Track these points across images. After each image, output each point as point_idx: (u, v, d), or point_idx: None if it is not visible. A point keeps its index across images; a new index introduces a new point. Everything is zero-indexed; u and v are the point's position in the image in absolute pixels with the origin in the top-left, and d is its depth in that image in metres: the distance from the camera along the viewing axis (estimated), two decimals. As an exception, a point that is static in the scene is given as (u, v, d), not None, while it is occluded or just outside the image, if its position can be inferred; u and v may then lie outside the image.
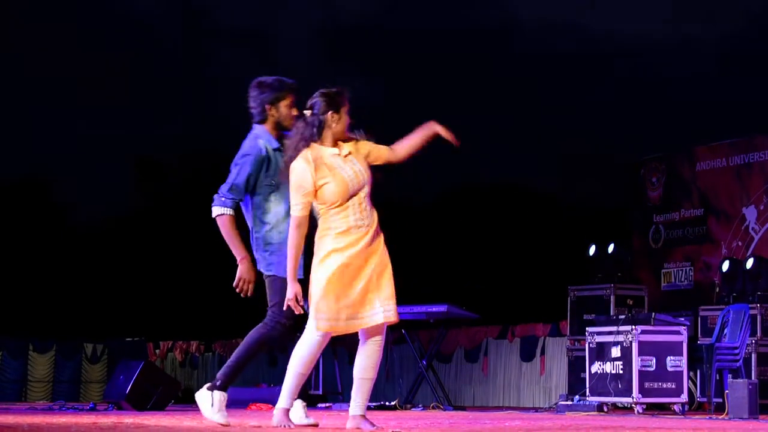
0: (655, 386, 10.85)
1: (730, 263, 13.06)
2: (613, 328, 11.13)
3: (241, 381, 20.34)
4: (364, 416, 5.74)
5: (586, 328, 11.70)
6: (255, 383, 18.78)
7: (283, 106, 6.47)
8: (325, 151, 5.74)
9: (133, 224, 37.68)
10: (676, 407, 11.00)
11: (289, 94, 6.45)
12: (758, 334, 12.19)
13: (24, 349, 22.76)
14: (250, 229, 6.60)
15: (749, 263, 12.86)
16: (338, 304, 5.63)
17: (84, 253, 36.04)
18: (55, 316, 32.57)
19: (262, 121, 6.56)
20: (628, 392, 10.83)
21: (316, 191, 5.67)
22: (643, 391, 10.78)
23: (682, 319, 11.82)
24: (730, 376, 11.21)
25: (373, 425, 5.70)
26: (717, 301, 13.04)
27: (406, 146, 5.90)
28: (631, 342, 10.87)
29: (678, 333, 11.02)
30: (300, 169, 5.70)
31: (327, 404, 13.90)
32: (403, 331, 13.83)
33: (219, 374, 6.46)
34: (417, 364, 13.90)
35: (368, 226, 5.68)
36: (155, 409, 10.78)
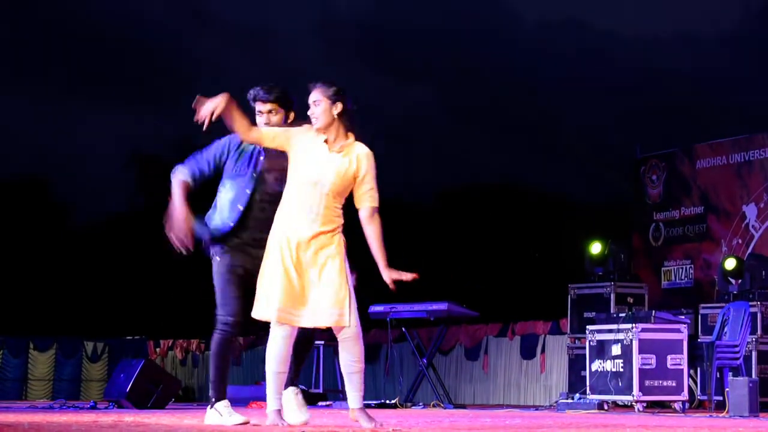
0: (656, 384, 10.86)
1: (730, 261, 13.06)
2: (614, 326, 11.13)
3: (241, 379, 20.37)
4: (362, 409, 5.76)
5: (587, 326, 11.71)
6: (255, 381, 18.76)
7: (257, 113, 6.69)
8: (312, 134, 5.88)
9: (133, 223, 37.68)
10: (676, 405, 11.00)
11: (255, 102, 6.68)
12: (758, 332, 12.20)
13: (24, 348, 22.76)
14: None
15: (749, 261, 12.86)
16: (286, 296, 5.71)
17: (84, 252, 36.05)
18: (55, 315, 32.59)
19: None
20: (628, 390, 10.83)
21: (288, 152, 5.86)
22: (643, 389, 10.78)
23: (683, 317, 11.82)
24: (730, 374, 11.21)
25: (372, 418, 5.72)
26: (717, 299, 13.04)
27: (372, 242, 5.85)
28: (631, 340, 10.87)
29: (678, 331, 11.03)
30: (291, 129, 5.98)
31: (327, 402, 13.89)
32: (403, 329, 13.84)
33: (210, 393, 6.50)
34: (417, 362, 13.90)
35: (316, 222, 5.76)
36: (156, 407, 10.78)
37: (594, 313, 12.69)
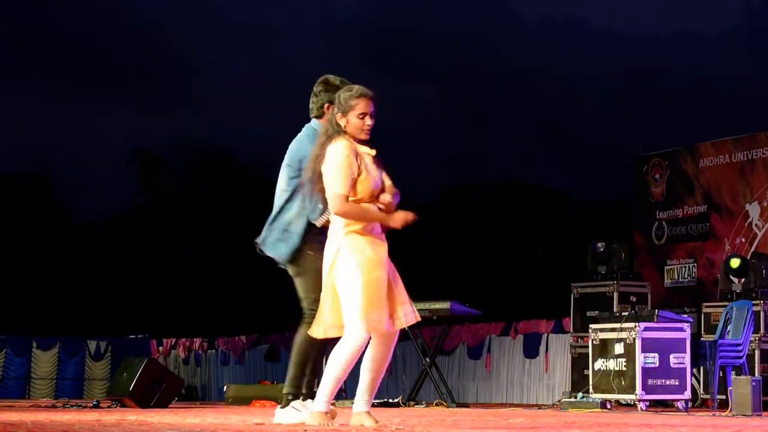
0: (659, 383, 10.85)
1: (733, 260, 13.05)
2: (617, 325, 11.12)
3: (245, 378, 20.37)
4: (368, 413, 5.72)
5: (590, 325, 11.70)
6: (257, 380, 18.80)
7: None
8: (360, 147, 5.76)
9: (136, 222, 37.71)
10: (679, 404, 10.99)
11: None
12: (761, 331, 12.19)
13: (27, 347, 22.76)
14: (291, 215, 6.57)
15: (752, 260, 12.85)
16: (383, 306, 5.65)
17: (87, 251, 36.08)
18: (58, 314, 32.61)
19: (319, 117, 6.54)
20: (631, 389, 10.83)
21: (355, 181, 5.67)
22: (646, 388, 10.77)
23: (685, 315, 11.81)
24: (733, 372, 11.20)
25: (376, 421, 5.69)
26: (720, 298, 13.03)
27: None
28: (634, 339, 10.87)
29: (681, 330, 11.02)
30: (346, 154, 5.69)
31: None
32: (406, 327, 13.82)
33: (285, 390, 6.42)
34: (420, 361, 13.90)
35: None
36: (159, 406, 10.79)
37: (597, 312, 12.68)
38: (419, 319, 5.82)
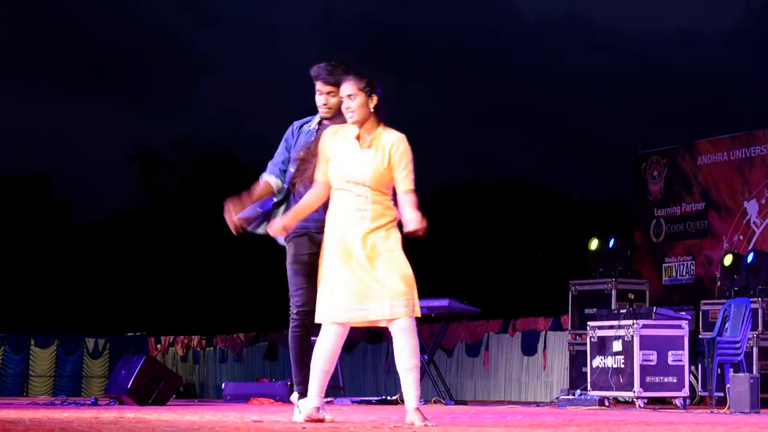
0: (657, 380, 10.86)
1: (731, 257, 13.06)
2: (615, 323, 11.13)
3: (242, 376, 20.37)
4: (418, 409, 5.64)
5: (588, 323, 11.70)
6: (255, 378, 18.80)
7: (316, 91, 6.47)
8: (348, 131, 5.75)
9: (135, 220, 37.72)
10: (677, 401, 11.00)
11: (316, 81, 6.42)
12: (759, 328, 12.19)
13: (26, 344, 22.76)
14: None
15: (750, 257, 12.85)
16: (346, 295, 5.59)
17: (86, 250, 36.08)
18: (56, 312, 32.60)
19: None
20: (629, 386, 10.83)
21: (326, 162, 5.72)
22: (644, 386, 10.78)
23: (684, 313, 11.81)
24: (731, 370, 11.21)
25: (425, 418, 5.64)
26: (718, 295, 13.04)
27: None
28: (632, 336, 10.87)
29: (679, 327, 11.03)
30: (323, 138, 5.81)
31: (328, 399, 13.90)
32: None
33: (295, 389, 6.40)
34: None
35: (366, 220, 5.63)
36: (157, 403, 10.78)
37: (595, 310, 12.68)
38: (378, 318, 5.63)
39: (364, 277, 5.55)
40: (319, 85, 6.41)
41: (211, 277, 35.00)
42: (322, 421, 5.72)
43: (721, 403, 10.70)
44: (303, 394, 6.28)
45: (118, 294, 34.55)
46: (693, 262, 14.67)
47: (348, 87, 5.68)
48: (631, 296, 13.38)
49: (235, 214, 6.49)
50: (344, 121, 5.80)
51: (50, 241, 36.04)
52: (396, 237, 5.63)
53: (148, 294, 34.61)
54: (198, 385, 22.12)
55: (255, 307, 32.37)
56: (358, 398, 13.28)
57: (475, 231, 34.07)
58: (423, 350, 13.69)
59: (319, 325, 5.75)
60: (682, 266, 14.80)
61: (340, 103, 6.14)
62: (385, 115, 5.75)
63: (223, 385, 15.80)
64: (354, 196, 5.62)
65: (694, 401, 12.27)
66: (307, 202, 5.86)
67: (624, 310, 11.60)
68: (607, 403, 11.18)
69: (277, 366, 20.38)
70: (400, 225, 5.67)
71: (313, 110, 6.58)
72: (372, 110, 5.67)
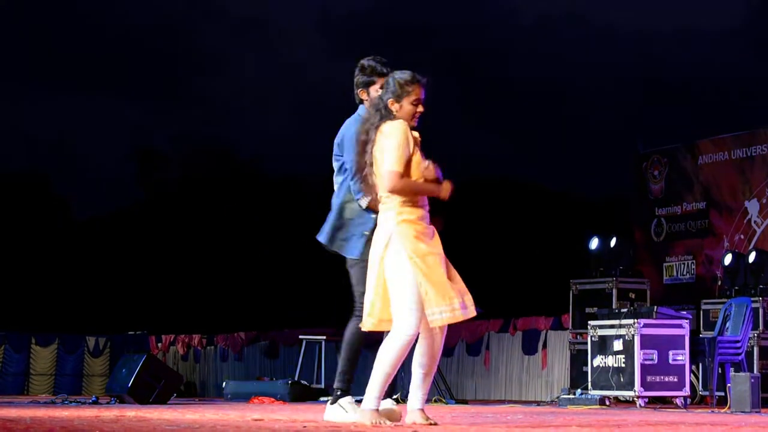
0: (657, 380, 10.85)
1: (732, 256, 13.05)
2: (615, 322, 11.12)
3: (243, 375, 20.36)
4: (422, 410, 5.60)
5: (588, 322, 11.70)
6: (256, 377, 18.80)
7: (374, 90, 6.34)
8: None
9: (135, 218, 37.71)
10: (678, 401, 11.00)
11: (381, 79, 6.27)
12: (760, 328, 12.19)
13: (26, 343, 22.75)
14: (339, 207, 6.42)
15: (751, 257, 12.85)
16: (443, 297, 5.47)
17: (86, 248, 36.08)
18: (57, 310, 32.61)
19: (361, 102, 6.49)
20: (630, 386, 10.83)
21: (410, 161, 5.57)
22: (645, 385, 10.77)
23: (684, 312, 11.81)
24: (732, 369, 11.20)
25: (428, 418, 5.58)
26: (719, 295, 13.03)
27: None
28: (633, 335, 10.87)
29: (680, 326, 11.02)
30: (404, 131, 5.59)
31: (329, 398, 13.89)
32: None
33: (335, 384, 6.34)
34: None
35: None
36: (157, 402, 10.78)
37: (596, 309, 12.67)
38: (474, 313, 5.55)
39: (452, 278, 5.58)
40: (379, 81, 6.28)
41: (212, 276, 35.00)
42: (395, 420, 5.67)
43: (722, 402, 10.70)
44: (344, 393, 6.21)
45: (118, 292, 34.56)
46: (694, 261, 14.66)
47: (424, 91, 5.65)
48: (632, 295, 13.38)
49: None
50: None
51: (50, 239, 36.04)
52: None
53: (149, 292, 34.61)
54: (199, 384, 22.11)
55: (256, 305, 32.38)
56: (359, 397, 13.27)
57: (475, 230, 34.06)
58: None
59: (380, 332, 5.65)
60: (683, 265, 14.79)
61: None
62: None
63: (224, 383, 15.80)
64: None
65: (695, 401, 12.27)
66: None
67: (625, 310, 11.60)
68: (607, 403, 11.18)
69: (277, 365, 20.37)
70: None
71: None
72: None
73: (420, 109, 5.65)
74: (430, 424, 5.52)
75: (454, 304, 5.42)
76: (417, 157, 5.54)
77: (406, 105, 5.61)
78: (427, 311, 5.40)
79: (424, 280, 5.39)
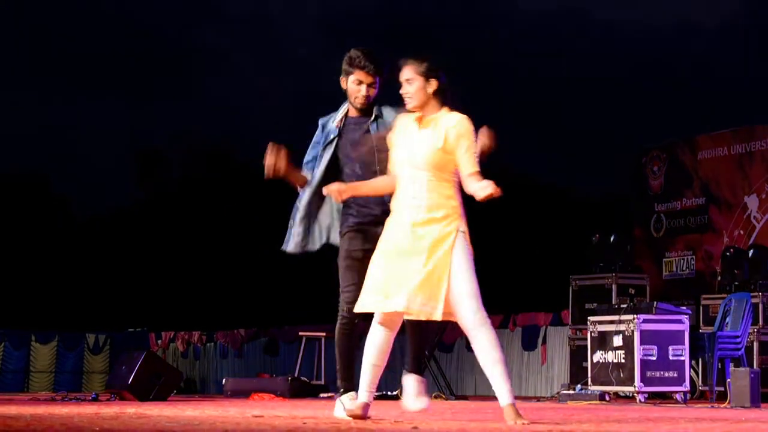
0: (657, 375, 10.86)
1: (731, 252, 13.06)
2: (615, 317, 11.13)
3: (243, 372, 20.37)
4: (512, 405, 5.42)
5: (588, 317, 11.70)
6: (256, 373, 18.80)
7: (351, 81, 6.24)
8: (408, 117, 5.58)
9: (135, 216, 37.71)
10: (677, 396, 11.00)
11: (358, 70, 6.20)
12: (760, 323, 12.19)
13: (26, 340, 22.77)
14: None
15: (751, 252, 12.85)
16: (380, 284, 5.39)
17: (86, 245, 36.08)
18: (57, 307, 32.61)
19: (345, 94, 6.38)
20: (630, 381, 10.83)
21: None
22: (644, 380, 10.78)
23: (684, 308, 11.81)
24: (732, 364, 11.21)
25: (519, 416, 5.39)
26: (719, 290, 13.04)
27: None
28: (632, 331, 10.87)
29: (680, 322, 11.02)
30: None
31: (329, 394, 13.90)
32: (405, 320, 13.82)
33: (337, 383, 6.33)
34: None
35: (422, 209, 5.38)
36: (157, 399, 10.78)
37: (595, 304, 12.68)
38: (410, 315, 5.55)
39: (398, 268, 5.32)
40: (360, 75, 6.21)
41: (212, 273, 35.00)
42: (363, 418, 5.49)
43: (722, 397, 10.71)
44: (346, 390, 6.21)
45: (118, 290, 34.55)
46: (693, 256, 14.67)
47: (405, 71, 5.51)
48: (632, 291, 13.38)
49: (284, 159, 6.08)
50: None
51: (50, 237, 36.04)
52: (455, 231, 5.40)
53: (149, 290, 34.61)
54: (199, 381, 22.13)
55: (255, 302, 32.38)
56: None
57: (474, 226, 34.07)
58: (423, 345, 13.69)
59: (368, 323, 5.62)
60: (682, 261, 14.80)
61: (374, 95, 6.07)
62: (453, 100, 5.54)
63: (224, 380, 15.81)
64: (410, 182, 5.41)
65: (695, 396, 12.28)
66: (375, 182, 5.71)
67: (624, 305, 11.60)
68: (607, 398, 11.18)
69: (277, 361, 20.38)
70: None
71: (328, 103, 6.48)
72: (431, 95, 5.49)
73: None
74: (517, 423, 5.30)
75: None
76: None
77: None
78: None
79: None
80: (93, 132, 46.01)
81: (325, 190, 5.76)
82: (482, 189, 5.29)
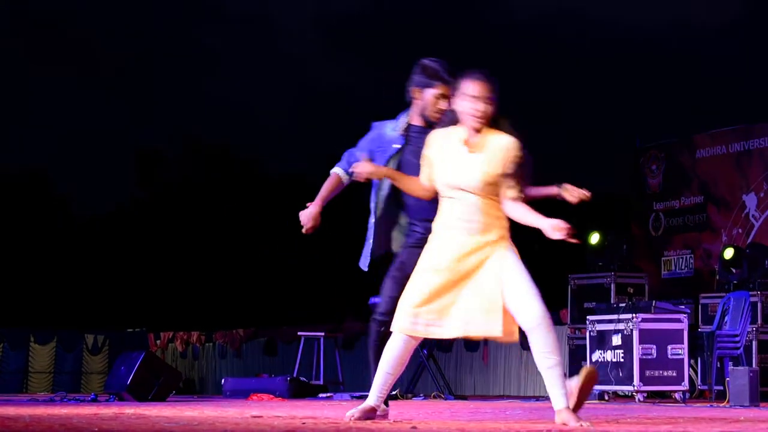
0: (656, 374, 10.86)
1: (730, 251, 13.06)
2: (614, 317, 11.13)
3: (242, 371, 20.38)
4: (568, 408, 5.25)
5: (587, 317, 11.70)
6: (255, 373, 18.80)
7: (430, 93, 6.06)
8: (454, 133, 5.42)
9: (134, 216, 37.70)
10: (677, 395, 11.00)
11: (441, 84, 6.02)
12: (759, 322, 12.20)
13: (25, 341, 22.76)
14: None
15: (749, 251, 12.86)
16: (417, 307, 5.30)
17: (85, 245, 36.06)
18: (56, 308, 32.61)
19: (410, 103, 6.19)
20: (629, 380, 10.84)
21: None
22: (644, 380, 10.78)
23: (683, 306, 11.82)
24: (730, 363, 11.21)
25: (579, 419, 5.18)
26: (717, 289, 13.04)
27: (517, 215, 5.44)
28: (631, 330, 10.87)
29: (679, 321, 11.03)
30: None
31: (328, 394, 13.90)
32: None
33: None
34: (418, 354, 13.90)
35: (477, 232, 5.31)
36: (156, 399, 10.78)
37: (594, 304, 12.68)
38: (468, 335, 5.43)
39: (453, 292, 5.26)
40: (440, 88, 6.01)
41: (210, 273, 35.00)
42: (370, 419, 5.44)
43: (721, 396, 10.71)
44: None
45: (117, 290, 34.55)
46: (692, 255, 14.67)
47: (485, 88, 5.33)
48: (631, 290, 13.39)
49: (315, 212, 6.06)
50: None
51: (49, 237, 36.03)
52: (507, 248, 5.40)
53: (148, 290, 34.60)
54: (197, 381, 22.12)
55: (254, 302, 32.37)
56: (358, 393, 13.27)
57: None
58: (422, 345, 13.69)
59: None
60: (681, 260, 14.80)
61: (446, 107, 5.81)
62: (503, 122, 5.44)
63: (223, 380, 15.80)
64: (459, 204, 5.30)
65: (694, 395, 12.27)
66: (411, 181, 5.58)
67: (623, 304, 11.61)
68: (606, 397, 11.19)
69: (276, 361, 20.38)
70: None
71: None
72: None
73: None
74: (581, 425, 5.11)
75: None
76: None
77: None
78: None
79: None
80: (93, 131, 45.98)
81: (356, 169, 5.69)
82: (553, 228, 5.33)
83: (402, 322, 5.34)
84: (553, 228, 5.30)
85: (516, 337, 5.35)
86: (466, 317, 5.24)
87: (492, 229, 5.34)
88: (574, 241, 5.32)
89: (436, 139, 5.44)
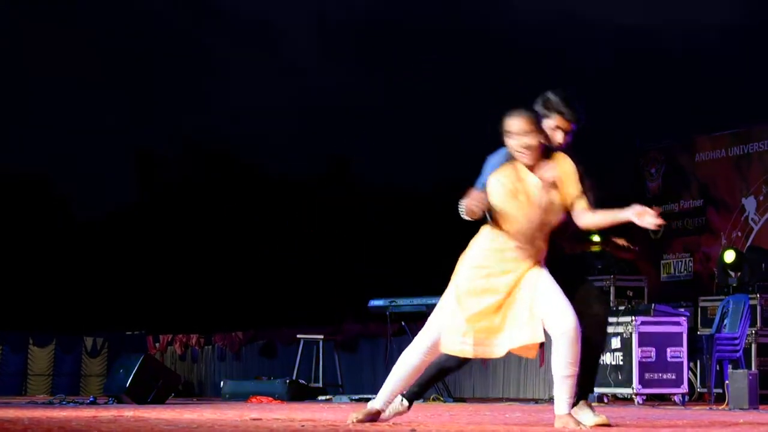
0: (655, 377, 10.86)
1: (729, 254, 13.06)
2: (613, 320, 11.12)
3: (241, 374, 20.37)
4: (570, 414, 5.37)
5: (586, 319, 11.67)
6: (254, 376, 18.81)
7: (547, 125, 6.07)
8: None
9: (133, 218, 37.68)
10: (676, 398, 11.00)
11: (558, 116, 6.12)
12: (758, 325, 12.19)
13: (24, 343, 22.74)
14: None
15: (748, 254, 12.86)
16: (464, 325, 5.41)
17: (84, 247, 36.05)
18: (55, 310, 32.59)
19: None
20: (628, 383, 10.83)
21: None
22: (643, 382, 10.77)
23: (682, 309, 11.82)
24: (730, 366, 11.21)
25: (579, 424, 5.34)
26: (717, 292, 13.04)
27: (597, 219, 5.68)
28: (631, 333, 10.87)
29: (678, 324, 11.02)
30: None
31: (327, 397, 13.89)
32: (403, 323, 13.82)
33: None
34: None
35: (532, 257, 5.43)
36: (155, 402, 10.78)
37: (593, 306, 12.64)
38: (514, 347, 5.48)
39: (499, 312, 5.38)
40: (560, 122, 6.10)
41: (210, 276, 34.99)
42: (371, 421, 5.55)
43: (720, 399, 10.71)
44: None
45: (116, 292, 34.54)
46: (691, 258, 14.67)
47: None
48: (630, 293, 13.38)
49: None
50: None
51: (48, 239, 36.03)
52: (539, 271, 5.45)
53: (147, 292, 34.59)
54: (197, 384, 22.11)
55: (253, 305, 32.36)
56: (357, 396, 13.27)
57: (472, 227, 34.07)
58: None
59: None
60: (680, 263, 14.80)
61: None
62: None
63: (222, 383, 15.80)
64: (528, 233, 5.45)
65: (693, 398, 12.27)
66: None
67: (622, 307, 11.60)
68: (606, 400, 11.18)
69: (275, 364, 20.37)
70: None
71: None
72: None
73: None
74: (581, 428, 5.26)
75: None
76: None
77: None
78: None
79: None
80: (93, 132, 46.00)
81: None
82: (642, 215, 5.61)
83: (450, 344, 5.44)
84: (640, 214, 5.50)
85: (535, 354, 5.45)
86: (510, 333, 5.34)
87: (538, 254, 5.48)
88: (660, 222, 5.43)
89: (506, 171, 5.60)
